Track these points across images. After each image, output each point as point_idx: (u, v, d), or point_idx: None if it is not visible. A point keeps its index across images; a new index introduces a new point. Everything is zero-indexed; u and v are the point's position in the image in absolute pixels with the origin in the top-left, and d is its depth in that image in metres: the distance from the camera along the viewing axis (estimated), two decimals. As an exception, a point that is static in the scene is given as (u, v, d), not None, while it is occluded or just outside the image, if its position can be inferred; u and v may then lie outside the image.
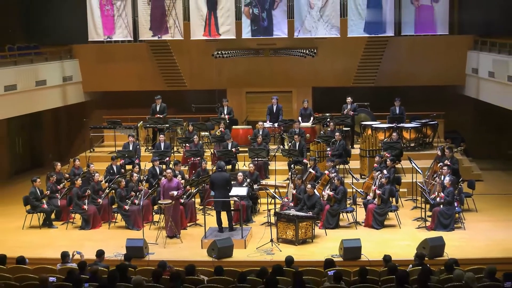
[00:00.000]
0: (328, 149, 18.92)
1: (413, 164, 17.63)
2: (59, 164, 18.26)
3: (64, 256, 12.77)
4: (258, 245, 14.86)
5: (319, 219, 15.91)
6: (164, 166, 18.17)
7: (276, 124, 20.87)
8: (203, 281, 11.38)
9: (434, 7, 21.57)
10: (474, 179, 18.27)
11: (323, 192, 16.33)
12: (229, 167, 18.92)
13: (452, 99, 23.04)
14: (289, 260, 12.30)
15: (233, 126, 21.18)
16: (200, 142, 19.88)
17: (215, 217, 15.69)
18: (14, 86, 20.08)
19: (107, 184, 17.46)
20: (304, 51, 21.71)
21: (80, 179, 17.01)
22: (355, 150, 19.91)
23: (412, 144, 20.45)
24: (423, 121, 20.84)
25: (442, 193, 15.80)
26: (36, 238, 15.97)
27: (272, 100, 21.24)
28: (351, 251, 13.89)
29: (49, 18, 23.46)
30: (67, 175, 17.98)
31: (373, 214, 16.04)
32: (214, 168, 18.56)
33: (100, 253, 12.75)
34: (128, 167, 18.58)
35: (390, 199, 16.28)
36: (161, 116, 21.15)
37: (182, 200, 16.14)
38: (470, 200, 17.23)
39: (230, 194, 15.44)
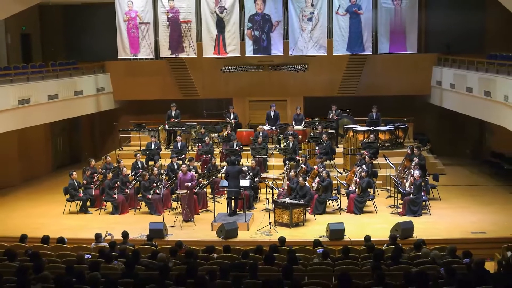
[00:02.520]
0: (317, 148, 18.87)
1: (387, 160, 17.57)
2: (93, 160, 18.25)
3: (97, 236, 12.76)
4: (258, 227, 14.83)
5: (309, 206, 15.88)
6: (180, 162, 18.12)
7: (273, 127, 20.82)
8: (213, 258, 11.35)
9: (405, 30, 21.51)
10: (438, 173, 18.23)
11: (312, 184, 16.29)
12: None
13: (420, 107, 22.96)
14: (282, 240, 12.26)
15: (238, 129, 21.10)
16: (211, 142, 19.81)
17: (226, 204, 15.69)
18: (56, 96, 20.06)
19: (133, 177, 17.42)
20: (297, 67, 21.64)
21: (111, 173, 16.98)
22: (339, 149, 19.83)
23: (387, 144, 20.37)
24: (396, 124, 20.77)
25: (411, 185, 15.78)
26: (74, 222, 15.96)
27: (271, 107, 21.19)
28: (336, 233, 13.85)
29: (85, 39, 23.59)
30: (100, 170, 17.93)
31: (354, 202, 15.99)
32: (223, 163, 18.62)
33: (124, 234, 12.68)
34: (151, 163, 18.53)
35: (368, 189, 16.25)
36: (176, 120, 21.12)
37: (195, 190, 16.10)
38: (435, 191, 17.19)
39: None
